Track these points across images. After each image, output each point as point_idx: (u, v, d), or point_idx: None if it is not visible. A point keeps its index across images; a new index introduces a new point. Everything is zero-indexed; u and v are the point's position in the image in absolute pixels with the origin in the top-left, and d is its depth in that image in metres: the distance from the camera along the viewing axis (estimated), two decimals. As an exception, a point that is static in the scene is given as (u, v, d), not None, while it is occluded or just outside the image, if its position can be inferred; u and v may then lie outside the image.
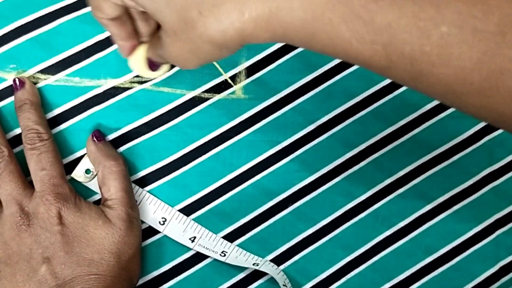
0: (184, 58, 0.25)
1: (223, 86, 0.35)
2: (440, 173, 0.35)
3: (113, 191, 0.31)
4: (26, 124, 0.31)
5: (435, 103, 0.36)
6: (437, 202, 0.35)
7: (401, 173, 0.35)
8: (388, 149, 0.35)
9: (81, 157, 0.33)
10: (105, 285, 0.29)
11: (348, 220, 0.35)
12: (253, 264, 0.33)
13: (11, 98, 0.33)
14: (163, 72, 0.33)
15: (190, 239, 0.33)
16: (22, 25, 0.34)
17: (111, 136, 0.34)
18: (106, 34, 0.34)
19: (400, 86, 0.36)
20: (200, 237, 0.34)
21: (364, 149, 0.35)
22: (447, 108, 0.36)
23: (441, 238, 0.35)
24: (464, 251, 0.35)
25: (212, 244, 0.34)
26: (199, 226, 0.34)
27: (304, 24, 0.21)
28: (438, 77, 0.20)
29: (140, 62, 0.30)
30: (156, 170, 0.34)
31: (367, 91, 0.36)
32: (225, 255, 0.33)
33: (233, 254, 0.33)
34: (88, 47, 0.34)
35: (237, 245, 0.34)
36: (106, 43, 0.34)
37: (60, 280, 0.29)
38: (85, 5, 0.34)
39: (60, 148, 0.33)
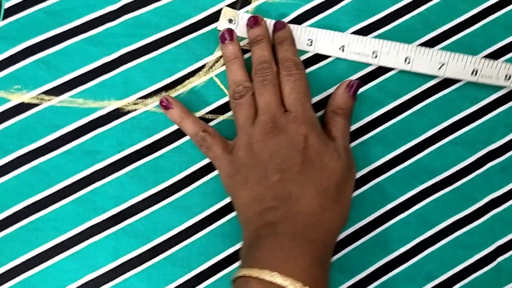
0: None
1: (226, 107, 0.35)
2: (442, 199, 0.35)
3: (339, 127, 0.33)
4: (284, 55, 0.34)
5: (437, 129, 0.36)
6: (439, 228, 0.35)
7: (403, 198, 0.35)
8: (390, 174, 0.35)
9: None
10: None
11: (350, 245, 0.35)
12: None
13: (16, 119, 0.33)
14: None
15: (340, 49, 0.35)
16: (28, 47, 0.34)
17: (112, 158, 0.34)
18: (111, 57, 0.35)
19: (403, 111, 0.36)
20: (348, 45, 0.35)
21: (366, 173, 0.35)
22: (449, 134, 0.36)
23: (442, 264, 0.35)
24: (465, 278, 0.35)
25: (361, 47, 0.35)
26: (345, 34, 0.36)
27: None
28: None
29: None
30: (159, 192, 0.34)
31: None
32: (376, 56, 0.35)
33: (384, 50, 0.35)
34: (93, 69, 0.34)
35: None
36: (111, 65, 0.35)
37: (285, 193, 0.30)
38: (92, 27, 0.35)
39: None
